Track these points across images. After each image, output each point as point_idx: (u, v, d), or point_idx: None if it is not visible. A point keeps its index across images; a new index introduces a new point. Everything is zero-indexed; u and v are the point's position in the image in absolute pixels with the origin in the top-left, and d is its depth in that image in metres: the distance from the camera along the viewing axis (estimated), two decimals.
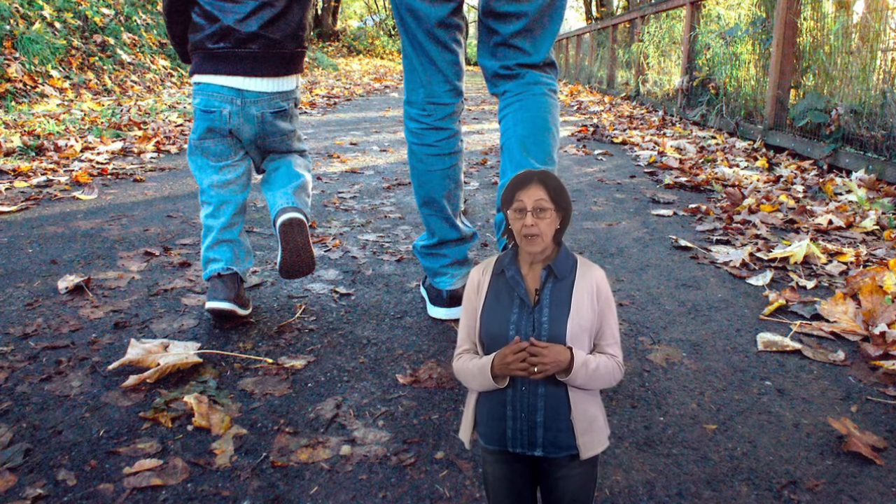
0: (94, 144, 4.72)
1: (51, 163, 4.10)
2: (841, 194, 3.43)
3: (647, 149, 5.13)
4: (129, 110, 6.59)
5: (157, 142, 5.00)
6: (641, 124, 6.79)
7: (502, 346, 0.79)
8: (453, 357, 0.86)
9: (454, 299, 1.85)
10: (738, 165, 4.36)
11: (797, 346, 1.71)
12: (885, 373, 1.57)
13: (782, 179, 3.82)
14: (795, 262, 2.36)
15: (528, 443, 0.80)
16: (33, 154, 4.32)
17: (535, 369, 0.76)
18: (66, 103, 6.70)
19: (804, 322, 1.86)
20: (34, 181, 3.60)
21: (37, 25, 7.43)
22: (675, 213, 3.14)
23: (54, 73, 7.24)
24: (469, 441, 0.86)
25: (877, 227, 2.80)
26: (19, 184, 3.53)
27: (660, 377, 1.56)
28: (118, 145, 4.70)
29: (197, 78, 1.75)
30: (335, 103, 9.24)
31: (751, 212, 3.09)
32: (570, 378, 0.78)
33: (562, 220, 0.81)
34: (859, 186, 3.41)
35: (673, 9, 7.77)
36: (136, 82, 8.48)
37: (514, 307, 0.80)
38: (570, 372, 0.77)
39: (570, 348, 0.78)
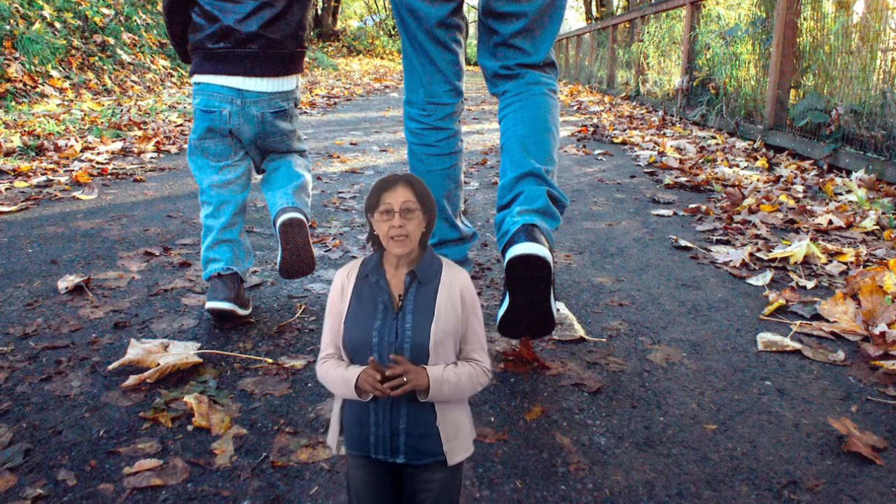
0: (94, 144, 4.72)
1: (51, 163, 4.10)
2: (841, 194, 3.43)
3: (647, 149, 5.13)
4: (129, 110, 6.59)
5: (157, 142, 5.00)
6: (641, 124, 6.79)
7: (366, 352, 0.78)
8: (317, 361, 0.84)
9: None
10: (738, 165, 4.36)
11: (797, 346, 1.71)
12: (885, 373, 1.57)
13: (782, 179, 3.82)
14: (795, 262, 2.36)
15: (391, 449, 0.79)
16: (33, 154, 4.32)
17: (394, 392, 0.76)
18: (66, 103, 6.70)
19: (804, 322, 1.86)
20: (34, 181, 3.60)
21: (37, 25, 7.43)
22: (675, 213, 3.14)
23: (54, 73, 7.24)
24: (336, 447, 0.85)
25: (877, 227, 2.80)
26: (19, 184, 3.53)
27: (660, 377, 1.56)
28: (118, 145, 4.70)
29: (197, 78, 1.75)
30: (335, 103, 9.24)
31: (751, 212, 3.09)
32: (431, 397, 0.77)
33: (427, 222, 0.81)
34: (859, 186, 3.41)
35: (673, 9, 7.77)
36: (136, 82, 8.48)
37: (378, 313, 0.79)
38: (429, 393, 0.77)
39: (426, 370, 0.77)
